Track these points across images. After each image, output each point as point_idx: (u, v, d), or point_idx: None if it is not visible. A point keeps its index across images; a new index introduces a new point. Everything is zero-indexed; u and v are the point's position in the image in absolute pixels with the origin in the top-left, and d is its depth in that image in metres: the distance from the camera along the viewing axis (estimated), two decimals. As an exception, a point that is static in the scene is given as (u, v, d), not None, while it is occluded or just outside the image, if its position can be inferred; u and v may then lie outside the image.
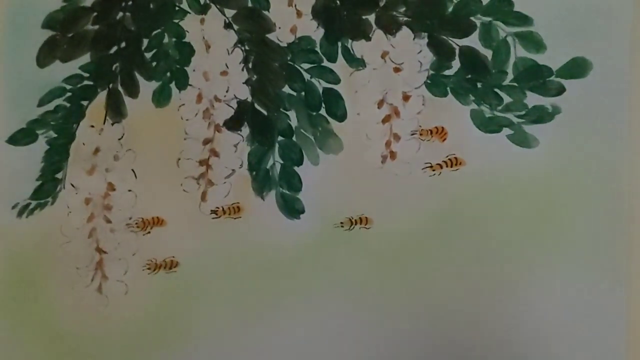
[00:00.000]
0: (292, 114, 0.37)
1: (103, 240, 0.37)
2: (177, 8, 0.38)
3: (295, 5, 0.37)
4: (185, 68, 0.37)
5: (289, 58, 0.37)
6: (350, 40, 0.37)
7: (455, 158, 0.36)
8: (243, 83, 0.37)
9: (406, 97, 0.37)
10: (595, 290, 0.36)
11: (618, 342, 0.35)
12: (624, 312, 0.36)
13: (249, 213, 0.37)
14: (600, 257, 0.36)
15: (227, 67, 0.37)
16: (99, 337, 0.37)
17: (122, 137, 0.37)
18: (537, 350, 0.35)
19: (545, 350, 0.35)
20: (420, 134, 0.37)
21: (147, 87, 0.37)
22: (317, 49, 0.37)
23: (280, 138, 0.37)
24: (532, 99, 0.36)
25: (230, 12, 0.38)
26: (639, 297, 0.36)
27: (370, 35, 0.37)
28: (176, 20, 0.38)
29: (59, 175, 0.37)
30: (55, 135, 0.37)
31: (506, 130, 0.36)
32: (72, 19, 0.38)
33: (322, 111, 0.37)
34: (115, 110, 0.37)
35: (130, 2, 0.38)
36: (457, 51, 0.37)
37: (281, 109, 0.37)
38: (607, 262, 0.36)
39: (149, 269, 0.37)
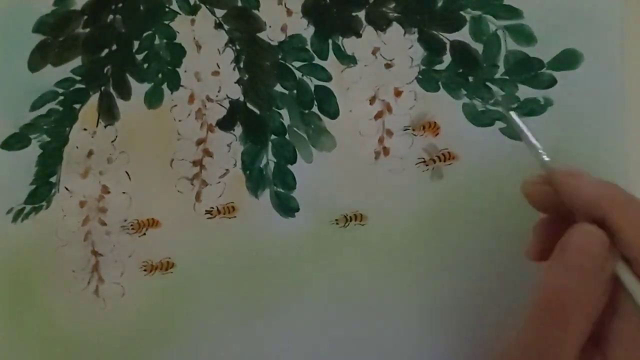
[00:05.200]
0: (284, 112, 0.37)
1: (98, 243, 0.37)
2: (167, 9, 0.38)
3: (285, 4, 0.37)
4: (177, 69, 0.37)
5: (280, 57, 0.37)
6: (340, 38, 0.37)
7: (449, 152, 0.36)
8: (235, 83, 0.37)
9: (398, 93, 0.37)
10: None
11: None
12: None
13: (244, 212, 0.37)
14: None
15: (219, 67, 0.37)
16: (96, 340, 0.37)
17: (115, 139, 0.37)
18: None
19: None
20: (413, 130, 0.37)
21: (139, 88, 0.37)
22: (308, 47, 0.37)
23: (273, 137, 0.37)
24: (524, 92, 0.36)
25: (220, 12, 0.38)
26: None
27: (360, 32, 0.37)
28: (166, 22, 0.38)
29: (53, 179, 0.37)
30: (49, 139, 0.38)
31: (499, 124, 0.36)
32: (62, 22, 0.38)
33: (315, 109, 0.37)
34: (108, 113, 0.38)
35: (120, 5, 0.38)
36: (447, 46, 0.37)
37: (273, 108, 0.37)
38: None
39: (145, 270, 0.37)
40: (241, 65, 0.37)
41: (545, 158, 0.30)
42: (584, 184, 0.27)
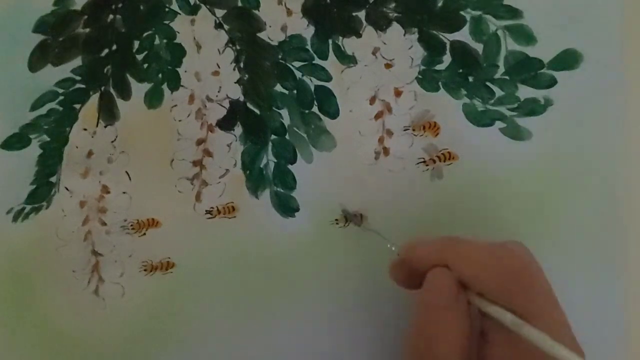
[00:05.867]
0: (284, 112, 0.37)
1: (98, 243, 0.37)
2: (167, 9, 0.38)
3: (285, 4, 0.37)
4: (177, 69, 0.37)
5: (280, 56, 0.37)
6: (341, 38, 0.37)
7: (449, 152, 0.36)
8: (235, 82, 0.37)
9: (398, 93, 0.37)
10: (591, 284, 0.36)
11: (617, 337, 0.35)
12: (622, 308, 0.35)
13: (244, 212, 0.37)
14: (597, 250, 0.36)
15: (219, 67, 0.37)
16: (96, 340, 0.37)
17: (115, 139, 0.37)
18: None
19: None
20: (413, 129, 0.37)
21: (139, 89, 0.37)
22: (308, 47, 0.37)
23: (273, 136, 0.37)
24: (524, 92, 0.36)
25: (220, 12, 0.38)
26: (637, 293, 0.36)
27: (360, 32, 0.37)
28: (167, 22, 0.38)
29: (53, 179, 0.37)
30: (49, 139, 0.37)
31: (499, 124, 0.36)
32: (63, 22, 0.38)
33: (315, 109, 0.37)
34: (108, 113, 0.37)
35: (120, 5, 0.38)
36: (447, 46, 0.37)
37: (273, 108, 0.37)
38: (603, 255, 0.36)
39: (145, 270, 0.37)
40: (241, 65, 0.37)
41: (392, 248, 0.32)
42: (421, 248, 0.30)
